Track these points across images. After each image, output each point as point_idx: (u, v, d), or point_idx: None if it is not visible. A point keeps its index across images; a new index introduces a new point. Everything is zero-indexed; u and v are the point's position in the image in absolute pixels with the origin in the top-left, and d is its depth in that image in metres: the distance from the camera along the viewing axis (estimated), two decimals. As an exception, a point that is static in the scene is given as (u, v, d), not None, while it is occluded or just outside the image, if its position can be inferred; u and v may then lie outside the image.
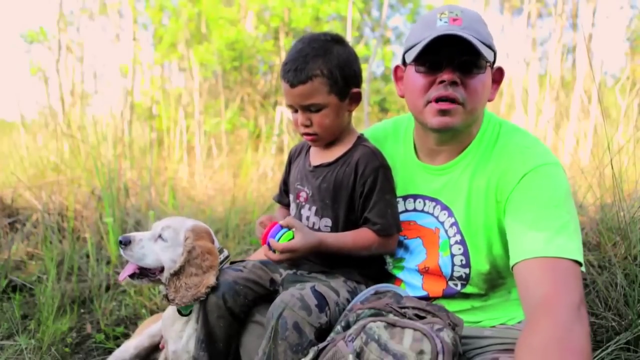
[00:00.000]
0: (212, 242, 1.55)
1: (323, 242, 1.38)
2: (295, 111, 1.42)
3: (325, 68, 1.35)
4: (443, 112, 1.24)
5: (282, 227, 1.39)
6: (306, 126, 1.41)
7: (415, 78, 1.29)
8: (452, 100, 1.23)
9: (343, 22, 7.74)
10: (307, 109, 1.38)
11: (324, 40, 1.39)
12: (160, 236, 1.49)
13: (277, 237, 1.37)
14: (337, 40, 1.41)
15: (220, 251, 1.54)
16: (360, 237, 1.40)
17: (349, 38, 6.50)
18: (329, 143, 1.47)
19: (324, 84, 1.36)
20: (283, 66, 1.38)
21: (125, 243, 1.47)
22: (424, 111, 1.28)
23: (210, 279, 1.41)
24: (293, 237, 1.36)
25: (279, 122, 6.91)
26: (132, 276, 1.51)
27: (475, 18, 1.27)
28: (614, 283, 1.77)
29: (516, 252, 1.17)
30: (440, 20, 1.24)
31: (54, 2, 7.27)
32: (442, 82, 1.23)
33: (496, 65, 1.34)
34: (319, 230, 1.44)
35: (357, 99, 1.45)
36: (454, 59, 1.22)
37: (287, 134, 6.52)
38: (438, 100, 1.24)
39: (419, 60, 1.26)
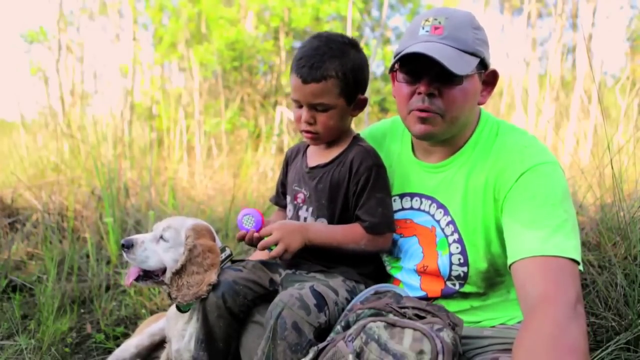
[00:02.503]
0: (213, 240, 1.55)
1: (309, 226, 1.39)
2: (300, 107, 1.41)
3: (340, 70, 1.35)
4: (423, 120, 1.27)
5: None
6: (309, 124, 1.41)
7: (399, 86, 1.31)
8: (429, 111, 1.25)
9: (343, 22, 7.73)
10: (314, 107, 1.39)
11: (342, 42, 1.39)
12: (161, 237, 1.50)
13: (243, 221, 1.41)
14: (353, 45, 1.41)
15: (222, 250, 1.54)
16: (350, 231, 1.40)
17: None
18: (327, 144, 1.48)
19: (336, 86, 1.36)
20: (297, 61, 1.37)
21: (128, 246, 1.48)
22: (407, 118, 1.32)
23: (212, 277, 1.41)
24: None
25: (279, 122, 6.91)
26: (136, 279, 1.51)
27: (462, 23, 1.25)
28: (614, 283, 1.77)
29: (513, 251, 1.18)
30: (423, 28, 1.26)
31: (54, 2, 7.27)
32: (420, 93, 1.25)
33: (491, 68, 1.32)
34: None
35: (362, 105, 1.46)
36: (432, 70, 1.22)
37: (287, 134, 6.52)
38: (418, 110, 1.26)
39: (401, 69, 1.29)
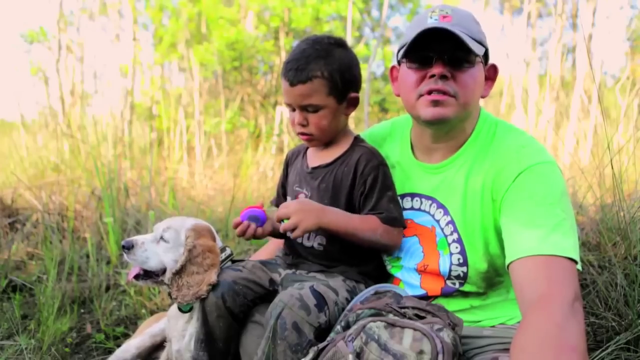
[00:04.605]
0: (214, 240, 1.55)
1: (327, 209, 1.38)
2: (293, 110, 1.43)
3: (325, 70, 1.37)
4: (436, 103, 1.26)
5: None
6: (302, 125, 1.42)
7: (407, 74, 1.31)
8: (444, 93, 1.25)
9: (343, 22, 7.74)
10: (305, 108, 1.40)
11: (327, 43, 1.40)
12: (162, 237, 1.51)
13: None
14: (339, 44, 1.43)
15: (223, 250, 1.54)
16: (367, 220, 1.39)
17: (349, 38, 6.51)
18: (325, 144, 1.49)
19: (324, 86, 1.37)
20: (285, 65, 1.40)
21: (128, 247, 1.48)
22: (416, 105, 1.30)
23: (212, 277, 1.41)
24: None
25: (279, 122, 6.92)
26: (136, 277, 1.52)
27: (467, 16, 1.29)
28: (614, 283, 1.77)
29: (511, 250, 1.18)
30: (431, 18, 1.28)
31: (54, 2, 7.27)
32: (432, 76, 1.25)
33: (491, 62, 1.35)
34: (316, 232, 1.44)
35: (354, 103, 1.46)
36: (444, 54, 1.23)
37: (287, 134, 6.52)
38: (430, 92, 1.26)
39: (410, 55, 1.29)
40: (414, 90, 1.29)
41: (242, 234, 1.46)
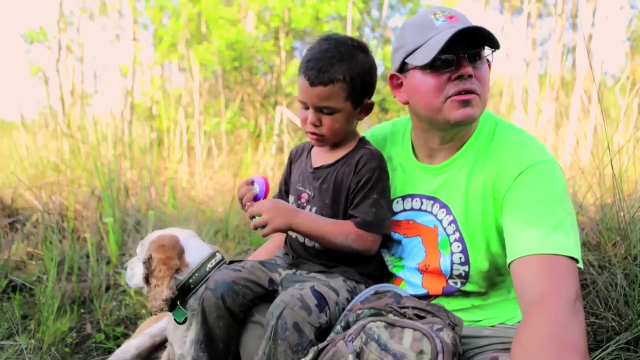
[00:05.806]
0: (178, 251, 1.53)
1: (299, 211, 1.40)
2: (306, 108, 1.41)
3: (348, 75, 1.35)
4: (465, 104, 1.24)
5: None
6: (315, 126, 1.41)
7: (424, 80, 1.27)
8: (472, 92, 1.24)
9: (343, 22, 7.72)
10: (321, 110, 1.38)
11: (351, 46, 1.38)
12: None
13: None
14: (362, 48, 1.40)
15: (212, 256, 1.54)
16: (341, 225, 1.39)
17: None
18: (332, 145, 1.48)
19: (343, 90, 1.36)
20: (305, 63, 1.36)
21: (125, 269, 1.64)
22: (443, 108, 1.27)
23: (163, 292, 1.41)
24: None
25: (279, 122, 6.91)
26: None
27: (465, 16, 1.29)
28: (614, 283, 1.77)
29: (512, 249, 1.18)
30: (437, 20, 1.26)
31: (54, 2, 7.26)
32: (458, 77, 1.23)
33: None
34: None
35: (368, 109, 1.46)
36: (465, 52, 1.23)
37: (287, 134, 6.52)
38: (459, 93, 1.24)
39: (432, 62, 1.23)
40: (438, 95, 1.26)
41: (241, 198, 1.48)
